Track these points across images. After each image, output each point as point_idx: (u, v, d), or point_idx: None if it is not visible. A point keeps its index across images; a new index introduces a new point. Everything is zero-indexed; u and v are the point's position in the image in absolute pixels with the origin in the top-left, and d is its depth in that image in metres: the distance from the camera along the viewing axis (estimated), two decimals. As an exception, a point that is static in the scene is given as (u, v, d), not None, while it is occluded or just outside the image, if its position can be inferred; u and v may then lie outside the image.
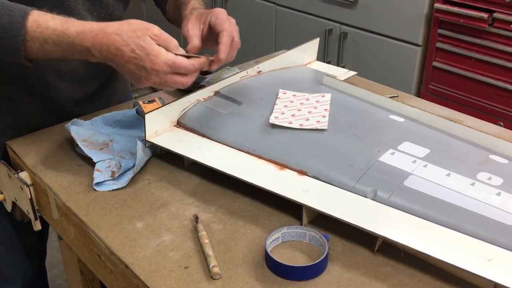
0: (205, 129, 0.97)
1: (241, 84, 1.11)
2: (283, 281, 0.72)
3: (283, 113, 0.99)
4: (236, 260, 0.76)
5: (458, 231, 0.74)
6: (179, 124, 0.99)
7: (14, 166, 1.02)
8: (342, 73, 1.21)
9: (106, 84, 1.16)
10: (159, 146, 0.94)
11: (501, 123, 1.75)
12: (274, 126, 0.95)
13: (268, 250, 0.75)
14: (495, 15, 1.72)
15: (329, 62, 2.19)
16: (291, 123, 0.96)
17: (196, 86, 1.13)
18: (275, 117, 0.97)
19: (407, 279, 0.73)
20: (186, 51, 0.88)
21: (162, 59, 0.81)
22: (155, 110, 0.95)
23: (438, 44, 1.91)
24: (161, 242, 0.79)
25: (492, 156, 0.89)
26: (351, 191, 0.81)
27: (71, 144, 1.00)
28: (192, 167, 0.94)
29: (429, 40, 1.94)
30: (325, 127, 0.94)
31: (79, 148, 0.95)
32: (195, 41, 0.94)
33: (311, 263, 0.73)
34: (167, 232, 0.81)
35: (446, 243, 0.72)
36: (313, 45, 1.27)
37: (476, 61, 1.83)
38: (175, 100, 1.00)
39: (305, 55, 1.26)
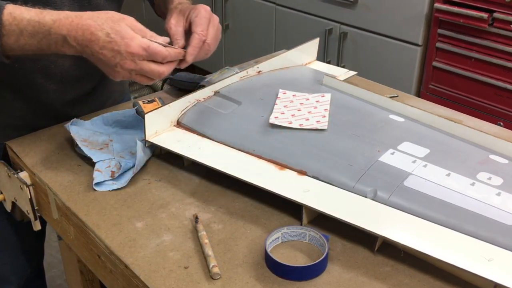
0: (205, 129, 0.97)
1: (241, 84, 1.11)
2: (283, 281, 0.72)
3: (283, 113, 0.99)
4: (236, 260, 0.75)
5: (458, 231, 0.74)
6: (179, 124, 0.99)
7: (14, 166, 1.02)
8: (342, 73, 1.21)
9: (100, 85, 1.15)
10: (159, 146, 0.94)
11: (501, 123, 1.76)
12: (274, 126, 0.95)
13: (268, 250, 0.75)
14: (495, 15, 1.72)
15: (329, 62, 2.19)
16: (291, 123, 0.96)
17: (196, 86, 1.13)
18: (275, 117, 0.97)
19: (407, 279, 0.73)
20: (170, 42, 0.88)
21: (137, 42, 0.80)
22: (155, 110, 0.95)
23: (438, 44, 1.91)
24: (161, 242, 0.79)
25: (492, 156, 0.89)
26: (351, 191, 0.81)
27: (71, 144, 1.00)
28: (192, 167, 0.94)
29: (429, 40, 1.94)
30: (325, 127, 0.94)
31: (79, 148, 0.95)
32: (179, 41, 0.92)
33: (311, 263, 0.72)
34: (167, 232, 0.81)
35: (446, 243, 0.72)
36: (313, 45, 1.27)
37: (476, 61, 1.83)
38: (175, 100, 1.00)
39: (305, 55, 1.26)
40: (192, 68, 3.03)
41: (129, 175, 0.91)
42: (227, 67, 1.19)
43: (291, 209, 0.83)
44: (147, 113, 0.92)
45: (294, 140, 0.92)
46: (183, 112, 1.01)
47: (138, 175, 0.93)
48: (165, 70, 0.85)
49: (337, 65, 2.18)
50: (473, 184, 0.81)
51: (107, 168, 0.91)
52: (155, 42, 0.83)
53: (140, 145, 0.92)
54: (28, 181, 0.95)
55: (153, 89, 3.23)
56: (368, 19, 2.10)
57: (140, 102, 1.10)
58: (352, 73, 1.22)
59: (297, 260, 0.76)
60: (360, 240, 0.78)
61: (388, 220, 0.76)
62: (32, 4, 0.84)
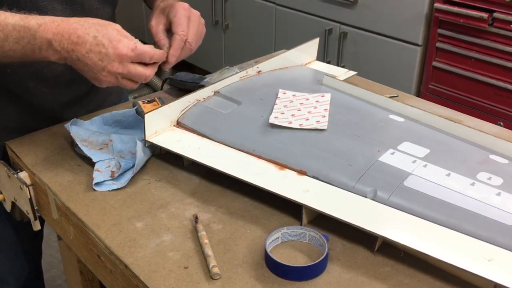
0: (204, 129, 0.97)
1: (241, 84, 1.11)
2: (283, 281, 0.72)
3: (283, 113, 0.99)
4: (236, 260, 0.75)
5: (458, 231, 0.74)
6: (179, 124, 0.99)
7: (14, 166, 1.01)
8: (342, 73, 1.21)
9: (95, 87, 1.13)
10: (159, 146, 0.94)
11: (501, 123, 1.75)
12: (273, 126, 0.95)
13: (268, 250, 0.75)
14: (495, 15, 1.72)
15: (329, 62, 2.19)
16: (290, 123, 0.96)
17: (196, 86, 1.13)
18: (275, 117, 0.97)
19: (407, 279, 0.72)
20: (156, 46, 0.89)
21: (124, 44, 0.80)
22: (155, 110, 0.94)
23: (438, 44, 1.91)
24: (160, 242, 0.79)
25: (492, 156, 0.89)
26: (351, 191, 0.81)
27: (71, 144, 1.00)
28: (191, 167, 0.94)
29: (429, 40, 1.94)
30: (325, 127, 0.94)
31: (79, 148, 0.95)
32: (162, 40, 0.91)
33: (311, 263, 0.72)
34: (166, 232, 0.81)
35: (446, 243, 0.72)
36: (313, 45, 1.27)
37: (476, 61, 1.83)
38: (175, 100, 1.00)
39: (305, 55, 1.26)
40: (192, 68, 3.03)
41: (129, 175, 0.91)
42: (227, 67, 1.19)
43: (291, 209, 0.83)
44: (147, 113, 0.92)
45: (294, 140, 0.92)
46: (183, 112, 1.01)
47: (138, 175, 0.93)
48: (151, 72, 0.85)
49: (337, 65, 2.18)
50: (473, 184, 0.81)
51: (107, 168, 0.91)
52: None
53: (140, 145, 0.92)
54: (28, 181, 0.95)
55: (153, 89, 3.23)
56: (368, 19, 2.10)
57: (140, 102, 1.10)
58: (352, 73, 1.22)
59: (297, 260, 0.75)
60: (360, 240, 0.78)
61: (388, 220, 0.76)
62: (21, 9, 0.83)
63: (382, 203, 0.79)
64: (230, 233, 0.80)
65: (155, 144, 0.94)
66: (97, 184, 0.89)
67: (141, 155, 0.91)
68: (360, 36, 2.15)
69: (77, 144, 0.95)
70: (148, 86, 3.27)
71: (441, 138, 0.94)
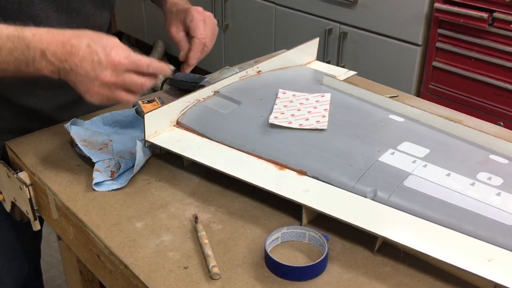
0: (204, 129, 0.97)
1: (241, 84, 1.11)
2: (282, 281, 0.72)
3: (282, 113, 0.99)
4: (236, 260, 0.75)
5: (458, 231, 0.74)
6: (179, 124, 0.99)
7: (14, 166, 1.01)
8: (342, 73, 1.21)
9: None
10: (159, 146, 0.94)
11: (501, 123, 1.75)
12: (273, 126, 0.95)
13: (268, 250, 0.75)
14: (495, 15, 1.72)
15: (328, 62, 2.19)
16: (290, 123, 0.95)
17: (195, 86, 1.13)
18: (275, 117, 0.97)
19: (407, 279, 0.72)
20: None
21: (118, 51, 0.77)
22: (155, 110, 0.94)
23: (438, 44, 1.91)
24: (160, 242, 0.79)
25: (492, 156, 0.89)
26: (351, 191, 0.81)
27: (71, 144, 1.00)
28: (191, 167, 0.94)
29: (429, 40, 1.94)
30: (325, 127, 0.94)
31: (79, 148, 0.95)
32: (184, 45, 0.97)
33: (310, 263, 0.72)
34: (166, 232, 0.81)
35: (446, 243, 0.72)
36: (312, 45, 1.27)
37: (476, 61, 1.83)
38: (174, 100, 1.00)
39: (304, 55, 1.26)
40: (192, 68, 3.03)
41: (128, 175, 0.91)
42: (227, 67, 1.19)
43: (291, 209, 0.83)
44: (146, 113, 0.92)
45: (294, 140, 0.92)
46: (182, 112, 1.01)
47: (138, 175, 0.92)
48: (148, 82, 0.82)
49: (337, 65, 2.18)
50: (473, 184, 0.81)
51: (107, 168, 0.91)
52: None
53: (140, 145, 0.92)
54: (28, 181, 0.95)
55: (152, 89, 3.23)
56: (368, 19, 2.10)
57: (140, 102, 1.10)
58: (352, 73, 1.22)
59: (297, 260, 0.75)
60: (360, 240, 0.78)
61: (388, 220, 0.76)
62: (15, 19, 0.82)
63: (382, 203, 0.79)
64: (230, 233, 0.80)
65: (155, 144, 0.94)
66: (97, 184, 0.89)
67: (140, 155, 0.91)
68: (360, 36, 2.15)
69: (77, 144, 0.95)
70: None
71: (441, 138, 0.94)
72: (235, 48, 2.77)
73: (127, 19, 3.43)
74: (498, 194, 0.79)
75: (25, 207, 0.98)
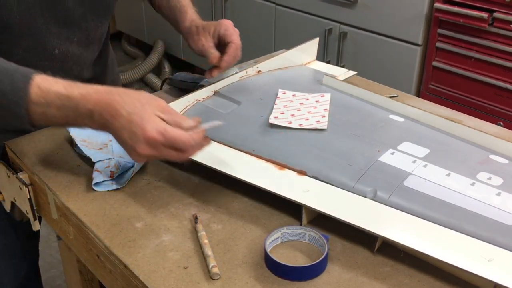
0: (204, 129, 0.96)
1: (241, 84, 1.11)
2: (282, 281, 0.72)
3: (282, 113, 0.98)
4: (236, 260, 0.75)
5: (458, 231, 0.73)
6: (179, 124, 0.99)
7: (13, 166, 1.01)
8: (342, 73, 1.21)
9: None
10: (159, 146, 0.93)
11: (501, 123, 1.75)
12: (273, 126, 0.95)
13: (268, 250, 0.74)
14: (495, 14, 1.72)
15: (328, 62, 2.19)
16: (290, 123, 0.95)
17: (195, 86, 1.13)
18: (275, 117, 0.97)
19: (407, 279, 0.72)
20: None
21: (153, 126, 0.74)
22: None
23: (438, 44, 1.91)
24: (160, 242, 0.79)
25: (492, 156, 0.89)
26: (350, 191, 0.81)
27: (70, 144, 1.00)
28: (191, 167, 0.94)
29: (429, 40, 1.94)
30: (325, 127, 0.94)
31: (78, 148, 0.95)
32: (214, 52, 1.02)
33: (310, 263, 0.72)
34: (166, 232, 0.81)
35: (446, 243, 0.72)
36: (312, 45, 1.27)
37: (476, 61, 1.83)
38: (174, 100, 1.00)
39: (304, 55, 1.26)
40: (192, 68, 3.03)
41: (128, 175, 0.91)
42: (227, 67, 1.19)
43: (291, 209, 0.83)
44: (146, 113, 0.92)
45: (293, 140, 0.92)
46: (182, 112, 1.01)
47: (138, 175, 0.92)
48: (188, 156, 0.79)
49: (337, 65, 2.18)
50: (473, 184, 0.81)
51: (106, 168, 0.91)
52: (175, 128, 0.76)
53: (140, 145, 0.91)
54: (28, 181, 0.95)
55: (152, 89, 3.23)
56: (368, 19, 2.09)
57: (140, 102, 1.09)
58: (352, 73, 1.22)
59: (297, 260, 0.75)
60: (360, 240, 0.78)
61: (388, 220, 0.76)
62: (15, 36, 0.81)
63: (382, 203, 0.79)
64: (229, 233, 0.80)
65: (155, 144, 0.93)
66: (97, 184, 0.89)
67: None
68: (360, 36, 2.15)
69: (76, 144, 0.95)
70: (148, 86, 3.28)
71: (441, 138, 0.94)
72: (235, 48, 2.76)
73: (127, 19, 3.43)
74: (498, 194, 0.79)
75: (25, 207, 0.98)
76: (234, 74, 1.12)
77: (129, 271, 0.74)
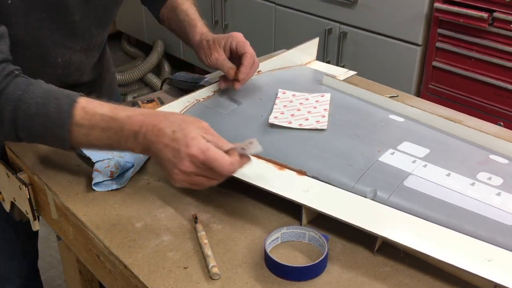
0: (204, 129, 0.96)
1: (241, 84, 1.10)
2: (282, 281, 0.72)
3: (282, 113, 0.98)
4: (236, 260, 0.75)
5: (458, 231, 0.73)
6: (178, 124, 0.99)
7: (13, 166, 1.01)
8: (342, 72, 1.21)
9: (88, 91, 1.13)
10: (158, 146, 0.93)
11: (501, 123, 1.75)
12: (273, 126, 0.95)
13: (268, 250, 0.74)
14: (495, 14, 1.72)
15: (328, 62, 2.19)
16: (290, 123, 0.95)
17: (195, 85, 1.13)
18: (275, 117, 0.97)
19: (407, 279, 0.72)
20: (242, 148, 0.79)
21: (197, 142, 0.75)
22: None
23: (438, 44, 1.91)
24: (160, 242, 0.79)
25: (492, 156, 0.89)
26: (350, 191, 0.81)
27: (70, 144, 1.00)
28: (191, 167, 0.94)
29: (429, 39, 1.94)
30: (325, 127, 0.94)
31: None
32: (230, 65, 1.02)
33: (310, 263, 0.72)
34: (166, 232, 0.81)
35: (446, 243, 0.72)
36: (312, 45, 1.27)
37: (476, 61, 1.83)
38: (174, 100, 1.00)
39: (304, 55, 1.26)
40: (192, 68, 3.03)
41: (128, 175, 0.91)
42: (227, 67, 1.18)
43: (291, 209, 0.82)
44: (146, 113, 0.92)
45: (293, 140, 0.92)
46: (182, 112, 1.01)
47: (137, 175, 0.92)
48: (222, 179, 0.79)
49: (337, 65, 2.18)
50: (473, 184, 0.81)
51: (106, 168, 0.91)
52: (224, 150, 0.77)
53: (140, 145, 0.91)
54: (27, 181, 0.95)
55: (152, 89, 3.23)
56: (367, 19, 2.09)
57: (140, 102, 1.10)
58: (352, 73, 1.21)
59: (297, 260, 0.75)
60: (360, 240, 0.78)
61: (388, 220, 0.76)
62: (24, 48, 0.82)
63: (382, 203, 0.79)
64: (229, 233, 0.80)
65: (155, 144, 0.93)
66: (97, 184, 0.89)
67: (140, 155, 0.91)
68: (360, 36, 2.15)
69: (76, 144, 0.95)
70: (148, 86, 3.28)
71: (441, 138, 0.94)
72: (235, 48, 2.76)
73: (127, 19, 3.43)
74: (498, 194, 0.79)
75: (25, 207, 0.98)
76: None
77: (129, 271, 0.74)
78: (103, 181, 0.89)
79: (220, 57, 1.03)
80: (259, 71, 1.16)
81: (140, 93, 3.21)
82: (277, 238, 0.78)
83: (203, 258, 0.75)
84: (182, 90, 1.19)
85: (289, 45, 1.27)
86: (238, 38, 1.03)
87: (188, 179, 0.77)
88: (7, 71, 0.79)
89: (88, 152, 0.93)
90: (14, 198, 1.00)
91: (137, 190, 0.89)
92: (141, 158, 0.92)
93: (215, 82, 1.09)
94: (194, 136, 0.76)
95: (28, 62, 0.91)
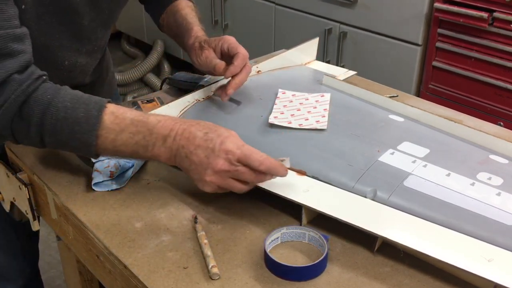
0: (204, 129, 0.96)
1: (241, 83, 1.10)
2: (282, 281, 0.72)
3: (282, 113, 0.98)
4: (235, 260, 0.75)
5: (458, 231, 0.73)
6: (178, 124, 0.99)
7: (13, 166, 1.01)
8: (342, 72, 1.21)
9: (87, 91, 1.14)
10: (158, 146, 0.93)
11: (501, 123, 1.75)
12: (273, 126, 0.95)
13: (268, 250, 0.74)
14: (495, 14, 1.72)
15: (328, 62, 2.19)
16: (290, 123, 0.95)
17: (195, 85, 1.13)
18: (274, 117, 0.97)
19: (407, 279, 0.72)
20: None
21: (232, 140, 0.76)
22: (154, 110, 0.94)
23: (438, 44, 1.91)
24: (160, 242, 0.79)
25: (492, 156, 0.89)
26: (350, 191, 0.81)
27: (70, 144, 1.00)
28: (191, 167, 0.94)
29: (429, 39, 1.94)
30: (325, 127, 0.94)
31: (78, 148, 0.95)
32: (217, 60, 1.00)
33: (310, 264, 0.72)
34: (166, 232, 0.81)
35: (446, 243, 0.72)
36: (312, 45, 1.27)
37: (476, 61, 1.83)
38: (174, 100, 1.00)
39: (304, 55, 1.26)
40: (192, 68, 3.03)
41: (128, 175, 0.90)
42: (227, 66, 1.18)
43: (291, 209, 0.82)
44: (146, 113, 0.92)
45: (293, 140, 0.92)
46: (182, 112, 1.01)
47: (137, 175, 0.92)
48: (257, 178, 0.78)
49: (337, 64, 2.18)
50: (473, 184, 0.81)
51: (106, 168, 0.91)
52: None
53: (139, 145, 0.91)
54: (27, 181, 0.95)
55: (152, 89, 3.23)
56: (367, 19, 2.09)
57: (139, 102, 1.10)
58: (352, 72, 1.21)
59: (297, 260, 0.75)
60: (359, 240, 0.78)
61: (388, 220, 0.76)
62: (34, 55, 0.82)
63: (382, 203, 0.79)
64: (229, 233, 0.80)
65: (155, 144, 0.93)
66: (96, 184, 0.89)
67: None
68: (359, 36, 2.15)
69: (76, 144, 0.95)
70: (148, 86, 3.28)
71: (441, 138, 0.94)
72: (235, 48, 2.76)
73: (127, 19, 3.43)
74: (498, 194, 0.79)
75: (25, 207, 0.98)
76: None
77: (129, 271, 0.74)
78: (103, 181, 0.89)
79: (210, 55, 1.02)
80: (259, 71, 1.16)
81: (140, 93, 3.21)
82: (277, 238, 0.78)
83: (203, 258, 0.75)
84: (182, 90, 1.19)
85: (289, 45, 1.27)
86: (230, 40, 1.03)
87: (220, 181, 0.77)
88: (36, 74, 0.79)
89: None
90: (14, 198, 1.00)
91: (137, 190, 0.89)
92: (141, 158, 0.92)
93: (215, 82, 1.09)
94: (229, 135, 0.77)
95: (36, 66, 0.91)
